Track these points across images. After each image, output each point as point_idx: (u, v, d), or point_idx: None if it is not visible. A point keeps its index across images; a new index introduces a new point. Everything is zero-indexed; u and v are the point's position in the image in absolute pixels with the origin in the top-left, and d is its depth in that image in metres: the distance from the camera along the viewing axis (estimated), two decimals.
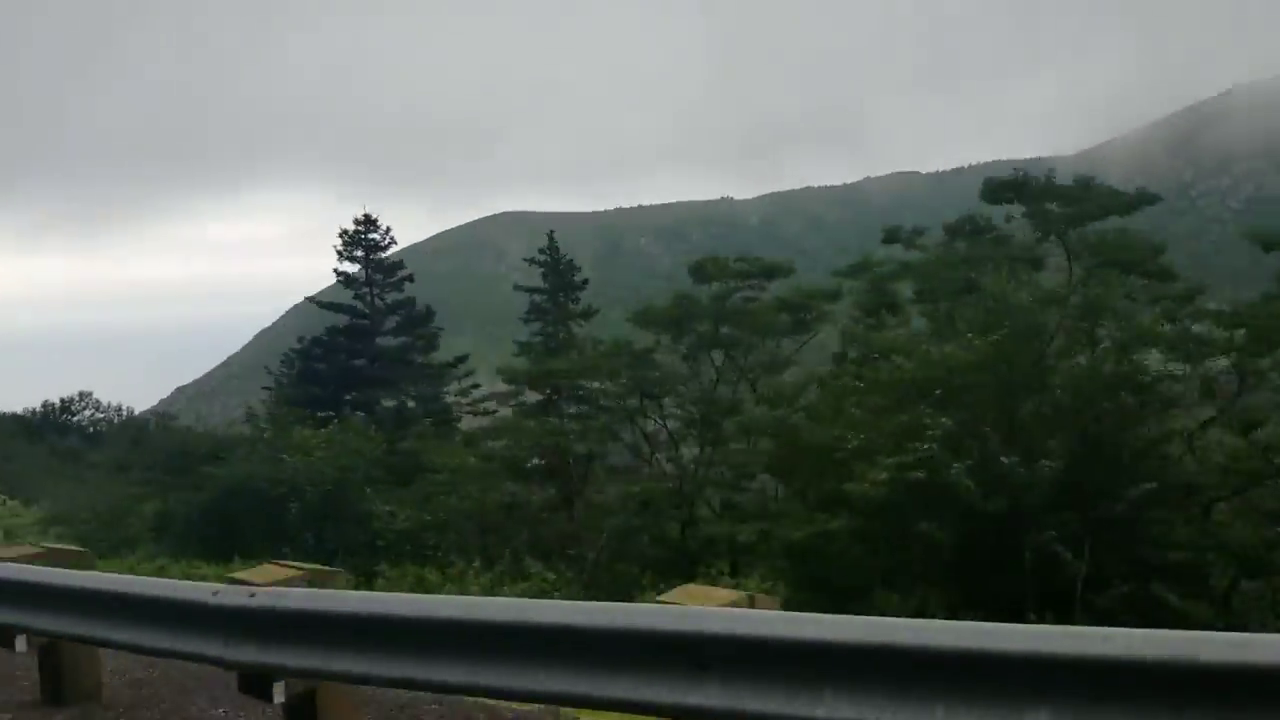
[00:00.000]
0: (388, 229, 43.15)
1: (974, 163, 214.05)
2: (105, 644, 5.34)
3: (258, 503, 21.70)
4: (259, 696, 4.54)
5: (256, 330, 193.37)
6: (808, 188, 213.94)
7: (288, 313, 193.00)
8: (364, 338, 42.15)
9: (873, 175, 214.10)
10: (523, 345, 39.54)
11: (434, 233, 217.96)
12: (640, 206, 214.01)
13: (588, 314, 41.47)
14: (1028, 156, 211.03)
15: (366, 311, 42.29)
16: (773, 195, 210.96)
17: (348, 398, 40.14)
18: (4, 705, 6.35)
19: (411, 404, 40.22)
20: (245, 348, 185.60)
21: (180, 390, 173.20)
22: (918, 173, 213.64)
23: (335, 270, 43.26)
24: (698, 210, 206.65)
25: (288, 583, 4.78)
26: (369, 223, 42.64)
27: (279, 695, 4.50)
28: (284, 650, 4.31)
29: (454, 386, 42.70)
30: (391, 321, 42.69)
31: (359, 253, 42.49)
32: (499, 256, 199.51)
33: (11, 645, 5.69)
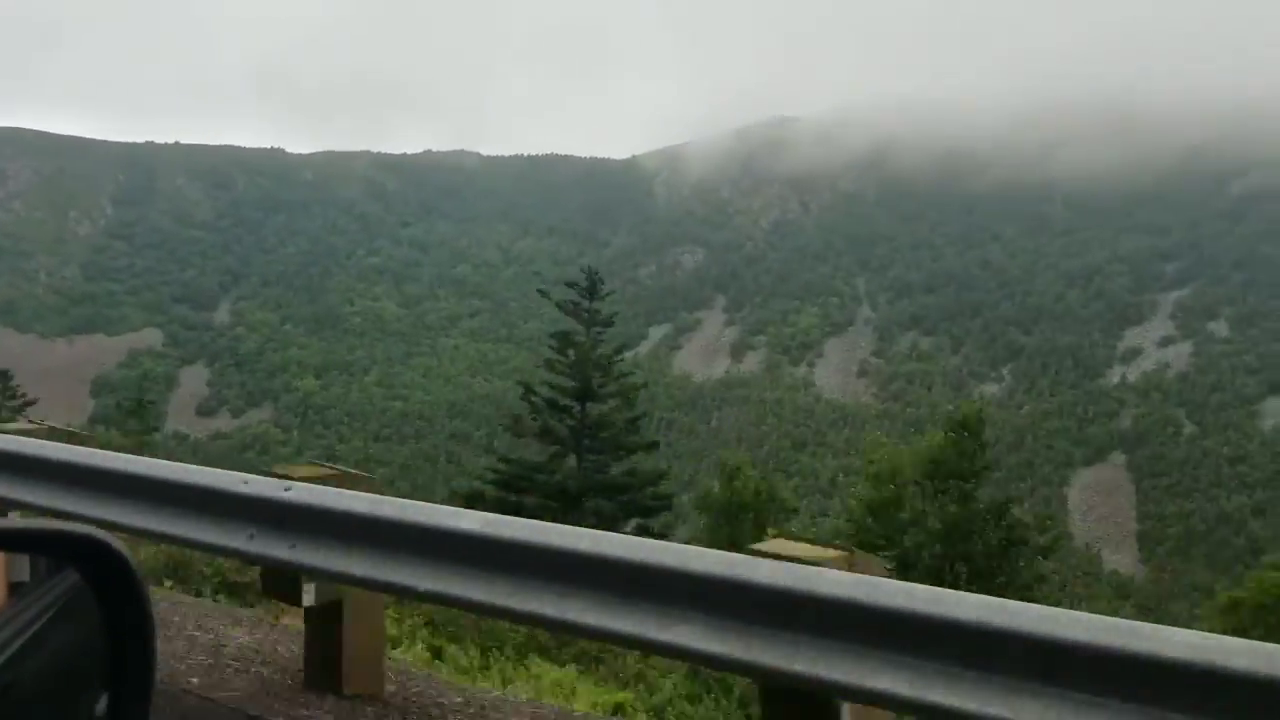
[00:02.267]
0: None
1: (534, 152, 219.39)
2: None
3: None
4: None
5: None
6: (366, 151, 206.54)
7: None
8: None
9: (434, 149, 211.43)
10: None
11: None
12: (178, 144, 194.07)
13: None
14: (583, 155, 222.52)
15: None
16: (330, 154, 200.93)
17: None
18: None
19: None
20: None
21: None
22: (477, 153, 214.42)
23: None
24: (244, 157, 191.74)
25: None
26: None
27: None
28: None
29: None
30: None
31: None
32: None
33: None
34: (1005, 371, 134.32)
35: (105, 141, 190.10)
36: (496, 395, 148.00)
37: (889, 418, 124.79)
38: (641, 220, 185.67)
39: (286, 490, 4.20)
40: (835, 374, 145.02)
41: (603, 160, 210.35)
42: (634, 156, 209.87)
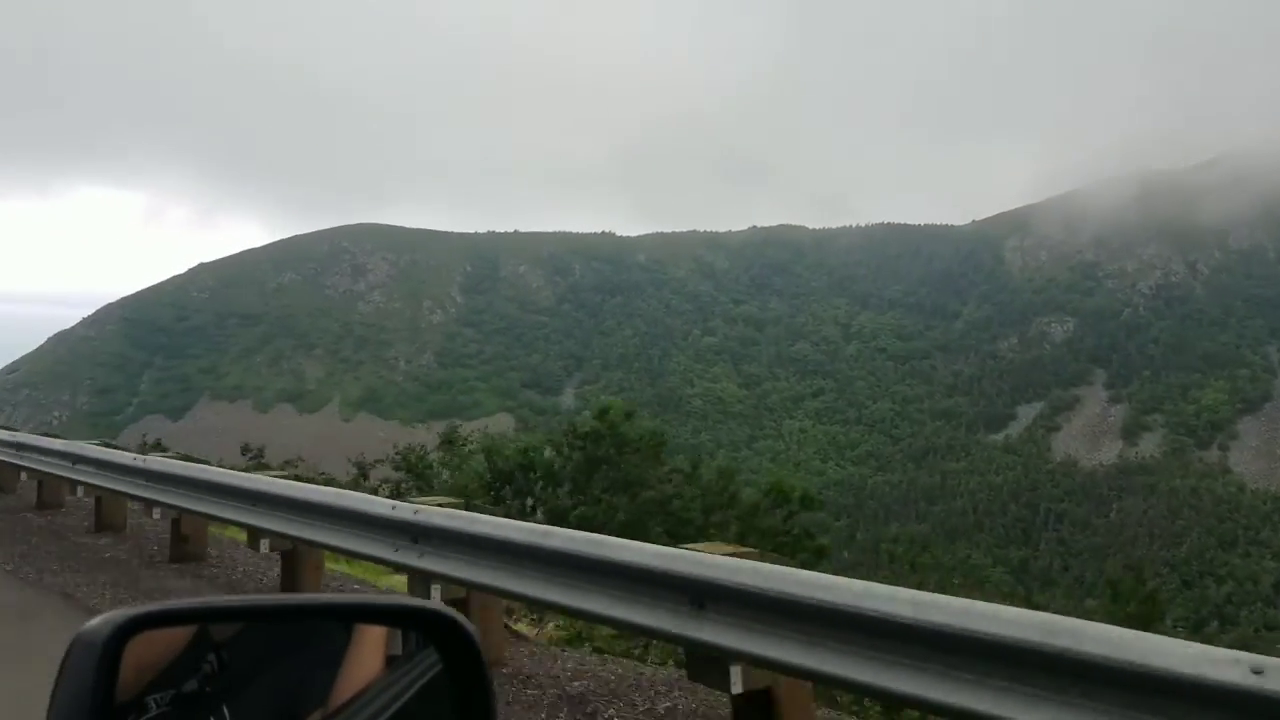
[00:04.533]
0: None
1: (863, 223, 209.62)
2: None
3: None
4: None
5: (52, 332, 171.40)
6: (693, 231, 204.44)
7: (89, 317, 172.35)
8: None
9: (759, 225, 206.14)
10: None
11: (277, 238, 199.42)
12: (517, 232, 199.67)
13: None
14: (917, 223, 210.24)
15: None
16: (659, 235, 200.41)
17: None
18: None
19: None
20: (36, 351, 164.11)
21: None
22: (804, 227, 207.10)
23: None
24: (578, 242, 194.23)
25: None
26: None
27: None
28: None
29: None
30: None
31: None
32: (357, 273, 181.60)
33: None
34: None
35: (450, 233, 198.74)
36: (851, 481, 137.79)
37: None
38: (994, 289, 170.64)
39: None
40: (1257, 458, 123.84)
41: (942, 227, 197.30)
42: (975, 222, 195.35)
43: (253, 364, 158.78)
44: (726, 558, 4.34)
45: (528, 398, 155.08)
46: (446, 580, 5.65)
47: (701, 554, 4.45)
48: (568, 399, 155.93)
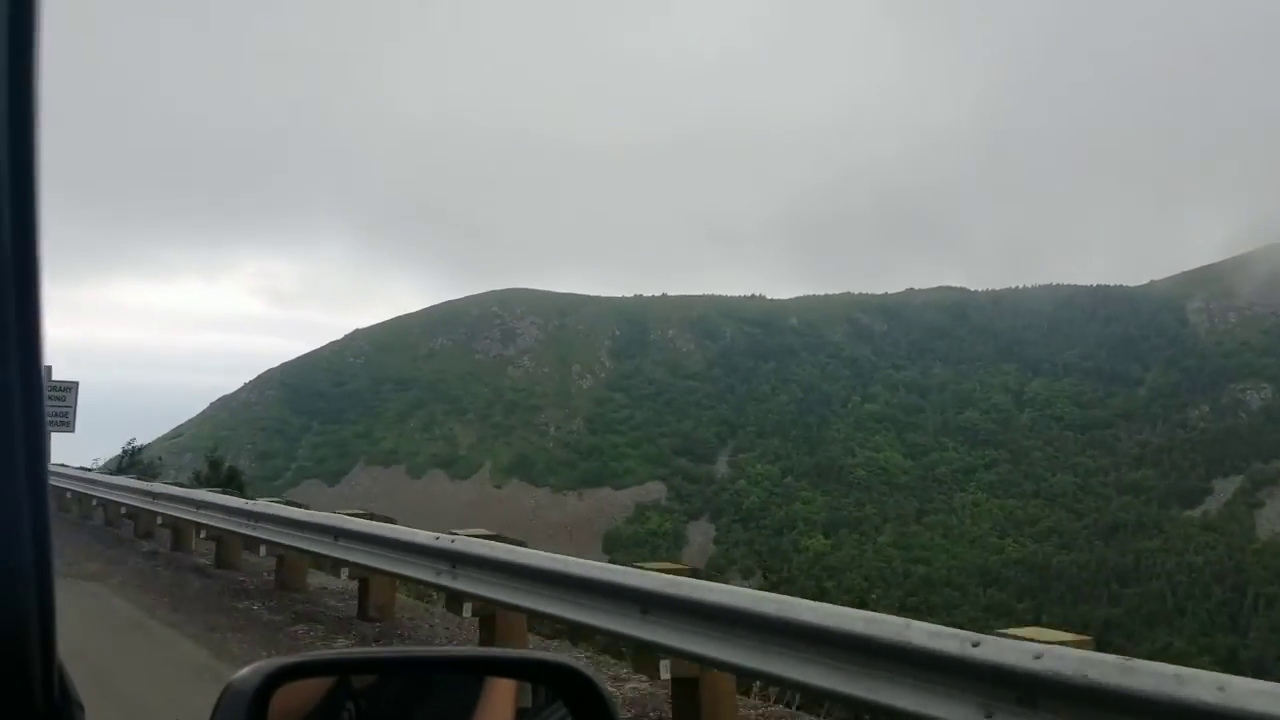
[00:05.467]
0: None
1: (1024, 284, 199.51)
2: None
3: None
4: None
5: (214, 397, 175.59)
6: (846, 293, 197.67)
7: (250, 383, 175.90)
8: None
9: (915, 287, 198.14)
10: None
11: (427, 304, 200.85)
12: (665, 296, 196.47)
13: None
14: (1089, 283, 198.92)
15: None
16: (810, 298, 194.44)
17: None
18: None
19: None
20: (199, 416, 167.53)
21: (118, 459, 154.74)
22: (963, 288, 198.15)
23: None
24: (726, 305, 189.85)
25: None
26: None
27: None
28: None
29: None
30: None
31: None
32: (507, 337, 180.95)
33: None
34: None
35: (599, 297, 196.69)
36: (1034, 560, 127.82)
37: None
38: (1179, 353, 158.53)
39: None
40: None
41: (1115, 288, 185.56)
42: (1153, 281, 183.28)
43: (406, 429, 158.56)
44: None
45: (680, 465, 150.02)
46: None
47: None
48: (721, 467, 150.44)
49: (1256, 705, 3.10)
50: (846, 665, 4.47)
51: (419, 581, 7.46)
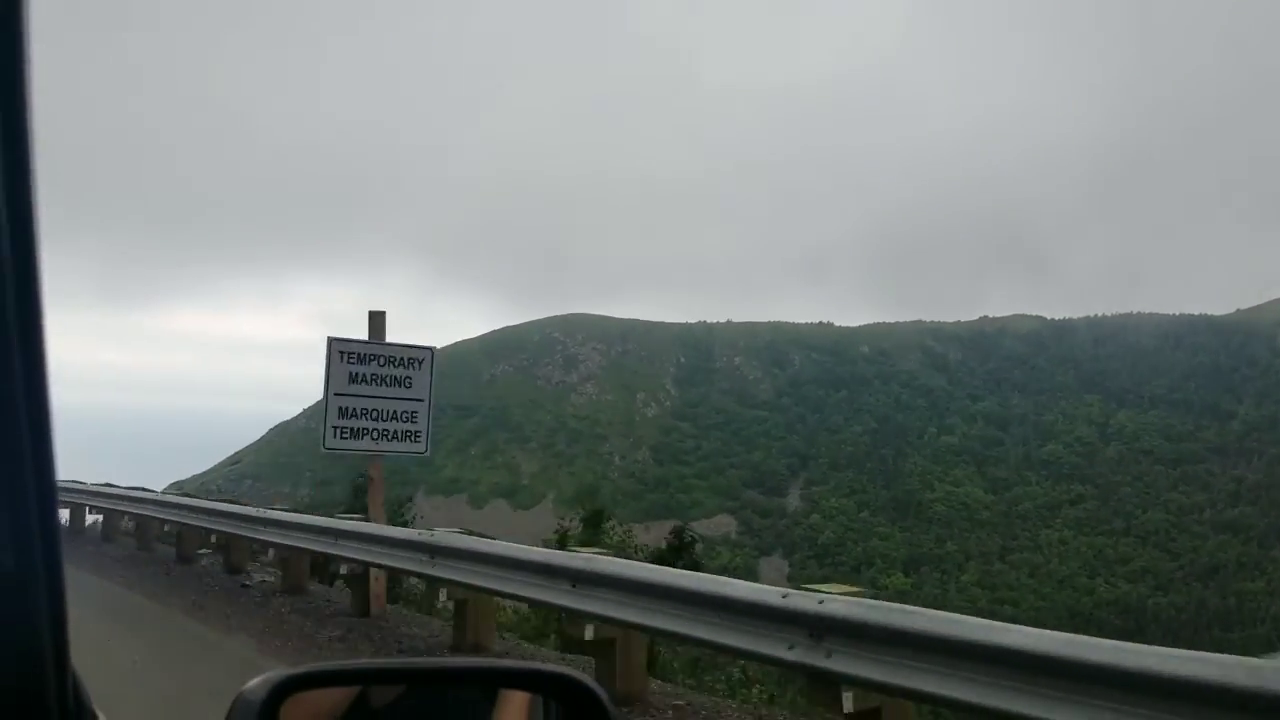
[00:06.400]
0: None
1: (1104, 312, 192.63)
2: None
3: None
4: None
5: (273, 424, 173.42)
6: (918, 320, 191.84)
7: (309, 409, 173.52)
8: None
9: (990, 315, 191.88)
10: None
11: (486, 330, 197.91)
12: (730, 322, 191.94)
13: None
14: (1172, 311, 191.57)
15: None
16: (880, 325, 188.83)
17: None
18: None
19: None
20: (257, 443, 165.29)
21: (177, 485, 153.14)
22: (1040, 316, 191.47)
23: None
24: (794, 332, 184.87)
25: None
26: None
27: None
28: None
29: None
30: None
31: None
32: (569, 364, 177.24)
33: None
34: None
35: (662, 323, 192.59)
36: (1127, 602, 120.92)
37: None
38: (1273, 384, 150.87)
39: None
40: None
41: (1199, 317, 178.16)
42: (1240, 310, 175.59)
43: (468, 457, 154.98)
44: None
45: (750, 498, 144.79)
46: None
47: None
48: (793, 500, 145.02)
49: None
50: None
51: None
